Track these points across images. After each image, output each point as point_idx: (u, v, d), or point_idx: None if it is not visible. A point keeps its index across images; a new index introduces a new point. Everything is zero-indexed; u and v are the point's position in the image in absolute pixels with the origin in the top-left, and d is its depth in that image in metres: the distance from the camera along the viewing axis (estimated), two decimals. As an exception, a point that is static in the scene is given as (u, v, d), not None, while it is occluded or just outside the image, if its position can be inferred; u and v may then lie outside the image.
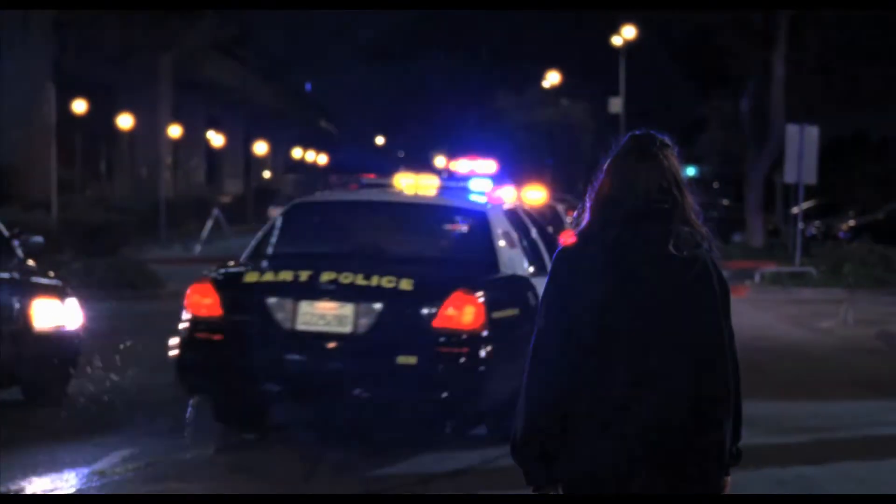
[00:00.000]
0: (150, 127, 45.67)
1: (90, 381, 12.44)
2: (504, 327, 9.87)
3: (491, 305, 9.78)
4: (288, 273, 9.96)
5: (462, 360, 9.60)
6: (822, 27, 36.55)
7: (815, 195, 39.58)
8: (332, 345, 9.75)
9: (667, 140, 4.10)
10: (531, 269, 10.79)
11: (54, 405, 11.46)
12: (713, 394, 3.94)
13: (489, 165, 17.50)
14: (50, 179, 31.62)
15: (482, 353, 9.64)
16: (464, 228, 11.02)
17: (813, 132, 28.01)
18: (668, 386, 3.90)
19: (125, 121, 42.98)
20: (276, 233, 10.91)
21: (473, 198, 11.52)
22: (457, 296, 9.66)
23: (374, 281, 9.77)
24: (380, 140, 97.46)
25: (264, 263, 10.43)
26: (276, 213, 42.94)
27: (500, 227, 10.90)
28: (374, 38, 69.92)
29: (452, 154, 50.98)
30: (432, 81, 63.87)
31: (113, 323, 18.14)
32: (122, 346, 15.96)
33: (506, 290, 10.25)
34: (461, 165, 18.37)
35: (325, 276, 9.84)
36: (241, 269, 10.39)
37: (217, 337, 9.98)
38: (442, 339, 9.60)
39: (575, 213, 4.22)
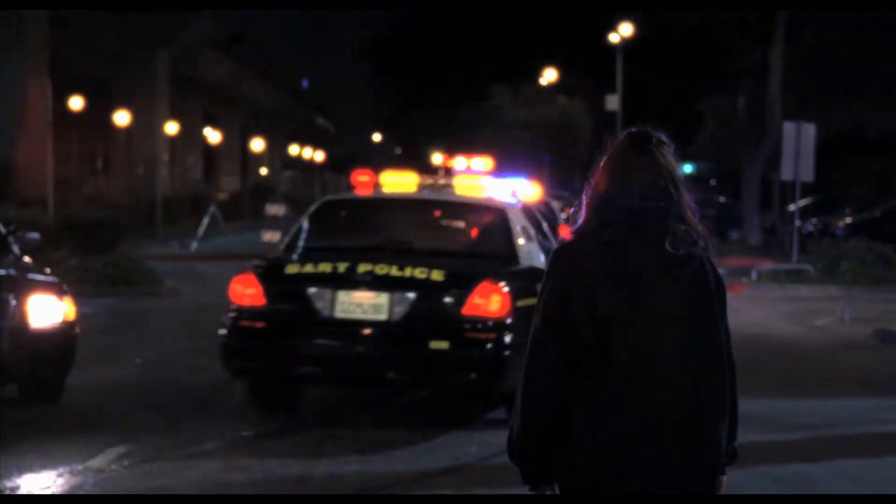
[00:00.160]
0: (146, 124, 45.63)
1: (86, 378, 12.41)
2: (525, 316, 10.04)
3: (514, 295, 10.49)
4: (327, 265, 10.72)
5: (489, 345, 10.38)
6: (820, 25, 36.56)
7: (812, 192, 39.57)
8: (368, 331, 10.54)
9: (663, 137, 4.09)
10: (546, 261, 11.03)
11: (50, 402, 11.45)
12: (709, 393, 3.94)
13: (486, 163, 17.52)
14: (46, 176, 31.58)
15: (507, 339, 10.37)
16: (485, 224, 11.86)
17: (810, 129, 28.00)
18: (665, 385, 3.89)
19: (122, 118, 42.93)
20: (308, 228, 11.73)
21: (493, 195, 12.23)
22: (484, 286, 10.43)
23: (408, 272, 10.56)
24: (377, 137, 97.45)
25: (302, 256, 11.16)
26: (273, 210, 42.70)
27: (518, 222, 11.78)
28: (372, 36, 69.94)
29: (449, 151, 50.98)
30: (430, 78, 63.85)
31: (109, 320, 18.15)
32: (119, 345, 15.96)
33: (526, 281, 10.66)
34: (458, 162, 18.38)
35: (362, 268, 10.61)
36: (282, 261, 11.15)
37: (260, 324, 10.75)
38: (470, 326, 10.40)
39: (571, 210, 4.21)
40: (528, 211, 12.51)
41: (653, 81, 53.32)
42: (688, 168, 48.13)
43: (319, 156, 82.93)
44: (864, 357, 16.29)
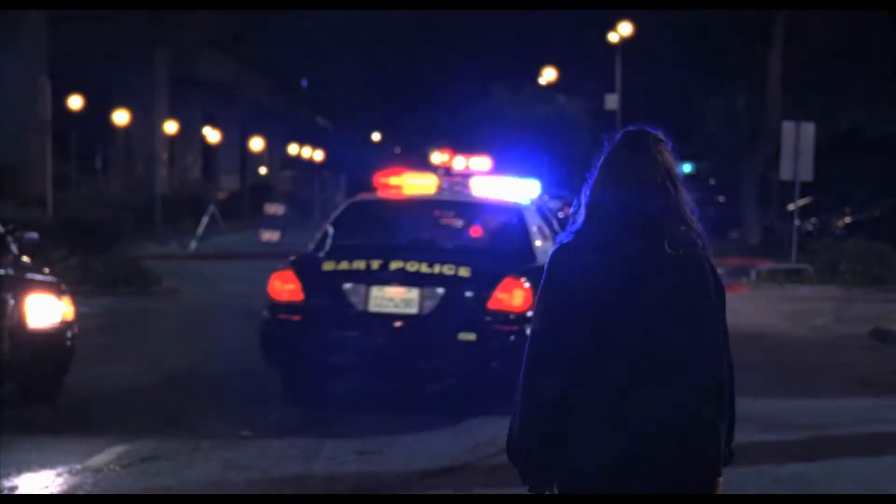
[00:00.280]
0: (146, 123, 45.63)
1: (85, 378, 12.41)
2: None
3: (534, 290, 10.93)
4: (361, 262, 11.50)
5: (511, 336, 11.07)
6: (819, 24, 36.52)
7: (811, 192, 39.53)
8: (399, 324, 11.33)
9: (660, 135, 4.08)
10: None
11: (49, 402, 11.44)
12: (708, 395, 3.93)
13: (485, 162, 17.57)
14: (45, 176, 31.56)
15: (528, 331, 10.70)
16: (503, 223, 12.63)
17: (809, 129, 27.96)
18: (663, 386, 3.88)
19: (121, 117, 42.91)
20: (336, 228, 12.43)
21: (508, 195, 13.06)
22: (507, 281, 11.21)
23: (437, 269, 11.36)
24: (376, 136, 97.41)
25: (336, 254, 11.83)
26: (272, 209, 42.49)
27: (533, 221, 12.64)
28: (371, 34, 69.92)
29: (449, 150, 50.96)
30: (429, 78, 63.88)
31: (108, 319, 18.13)
32: (117, 345, 15.96)
33: None
34: (458, 162, 18.41)
35: (394, 265, 11.42)
36: (317, 258, 11.86)
37: (298, 318, 11.50)
38: (495, 319, 11.17)
39: (571, 210, 4.20)
40: (540, 210, 13.41)
41: (652, 81, 53.33)
42: (687, 167, 48.14)
43: (319, 155, 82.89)
44: (862, 357, 16.27)
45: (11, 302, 11.07)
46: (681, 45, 41.36)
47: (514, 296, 11.21)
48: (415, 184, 13.08)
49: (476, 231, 12.87)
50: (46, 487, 8.68)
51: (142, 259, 25.03)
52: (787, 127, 28.36)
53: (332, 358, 11.60)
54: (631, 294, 3.91)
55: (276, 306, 11.58)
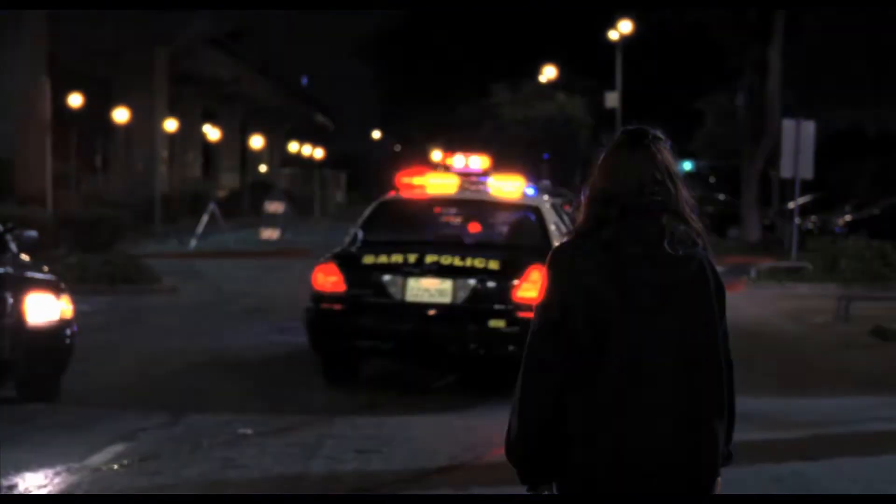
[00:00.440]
0: (145, 121, 45.58)
1: (84, 376, 12.40)
2: None
3: None
4: (399, 256, 12.45)
5: None
6: (819, 21, 36.51)
7: (811, 190, 39.52)
8: (434, 312, 12.30)
9: (659, 133, 4.06)
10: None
11: (48, 400, 11.43)
12: (707, 395, 3.91)
13: (483, 161, 17.56)
14: (45, 174, 31.57)
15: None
16: (524, 220, 13.47)
17: (809, 127, 27.94)
18: (662, 386, 3.87)
19: (121, 115, 42.89)
20: (367, 225, 13.33)
21: (526, 194, 13.85)
22: (532, 271, 11.98)
23: (468, 262, 12.35)
24: (376, 134, 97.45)
25: (373, 249, 12.72)
26: (272, 207, 42.51)
27: (551, 218, 13.42)
28: (372, 33, 69.92)
29: (448, 149, 50.95)
30: (428, 77, 63.84)
31: (108, 317, 18.13)
32: (117, 343, 15.96)
33: None
34: (457, 160, 18.42)
35: (429, 258, 12.38)
36: (357, 253, 12.78)
37: (340, 307, 12.47)
38: (522, 307, 11.91)
39: (571, 209, 4.19)
40: (556, 208, 14.16)
41: (652, 79, 53.32)
42: (687, 165, 48.12)
43: (319, 153, 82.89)
44: (862, 355, 16.27)
45: (11, 300, 11.07)
46: (681, 43, 41.38)
47: (540, 285, 11.55)
48: (438, 183, 13.82)
49: (499, 228, 13.77)
50: (45, 486, 8.66)
51: (141, 257, 25.02)
52: (788, 124, 28.34)
53: (371, 344, 12.51)
54: (630, 295, 3.90)
55: (319, 296, 12.53)
